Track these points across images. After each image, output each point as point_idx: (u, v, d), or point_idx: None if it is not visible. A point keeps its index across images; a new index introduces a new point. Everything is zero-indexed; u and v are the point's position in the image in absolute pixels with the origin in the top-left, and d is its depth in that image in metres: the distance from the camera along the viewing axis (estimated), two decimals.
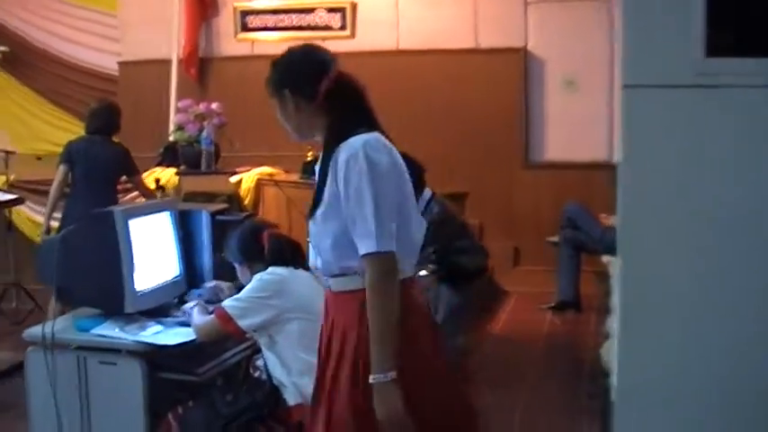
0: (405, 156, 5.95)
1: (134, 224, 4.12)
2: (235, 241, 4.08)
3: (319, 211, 3.00)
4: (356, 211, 2.86)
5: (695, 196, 2.04)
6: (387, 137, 3.14)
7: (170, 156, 7.34)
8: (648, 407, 2.14)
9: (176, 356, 3.89)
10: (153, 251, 4.28)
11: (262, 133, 9.26)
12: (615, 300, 5.98)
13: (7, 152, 8.48)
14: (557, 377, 6.64)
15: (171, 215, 4.46)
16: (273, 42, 9.86)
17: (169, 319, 4.15)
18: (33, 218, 8.57)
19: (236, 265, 4.09)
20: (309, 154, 7.54)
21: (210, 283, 4.40)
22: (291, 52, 3.18)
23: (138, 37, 10.06)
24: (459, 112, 9.19)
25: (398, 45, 9.55)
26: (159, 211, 4.41)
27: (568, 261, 8.14)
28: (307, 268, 3.91)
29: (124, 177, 6.69)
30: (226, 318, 3.74)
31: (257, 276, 3.83)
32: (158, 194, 6.99)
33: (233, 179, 7.83)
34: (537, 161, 9.22)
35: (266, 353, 3.81)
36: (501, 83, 9.14)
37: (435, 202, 5.89)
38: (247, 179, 8.07)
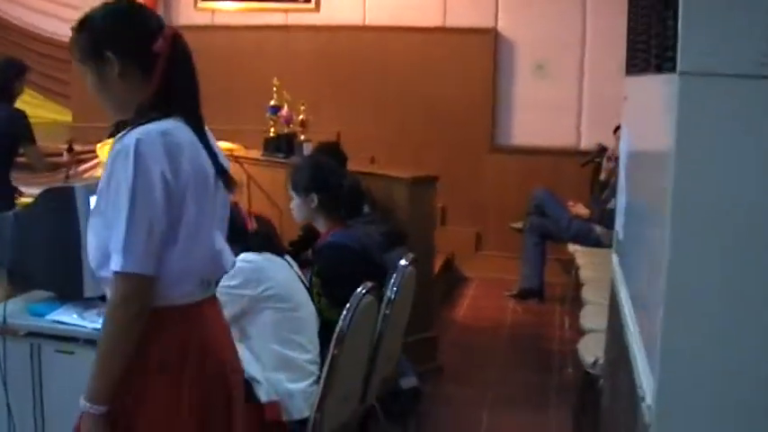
0: (328, 144, 5.68)
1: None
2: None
3: (94, 202, 2.56)
4: (113, 217, 2.42)
5: (753, 190, 1.82)
6: (200, 127, 2.64)
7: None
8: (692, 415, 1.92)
9: None
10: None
11: (221, 106, 8.97)
12: (587, 293, 5.86)
13: None
14: (523, 370, 6.47)
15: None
16: (235, 12, 9.56)
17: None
18: None
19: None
20: (272, 130, 7.25)
21: None
22: (112, 6, 2.63)
23: (94, 3, 9.63)
24: (425, 91, 8.96)
25: (365, 20, 9.27)
26: None
27: (533, 249, 7.96)
28: (282, 254, 3.66)
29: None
30: None
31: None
32: (66, 156, 6.61)
33: None
34: (504, 145, 9.01)
35: (238, 346, 3.54)
36: (470, 64, 8.90)
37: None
38: None
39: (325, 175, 4.35)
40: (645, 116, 2.64)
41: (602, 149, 8.05)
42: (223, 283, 3.37)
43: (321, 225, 4.40)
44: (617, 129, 7.57)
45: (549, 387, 6.08)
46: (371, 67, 9.03)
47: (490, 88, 8.88)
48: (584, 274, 6.58)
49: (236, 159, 7.45)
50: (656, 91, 2.33)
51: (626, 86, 3.49)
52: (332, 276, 4.09)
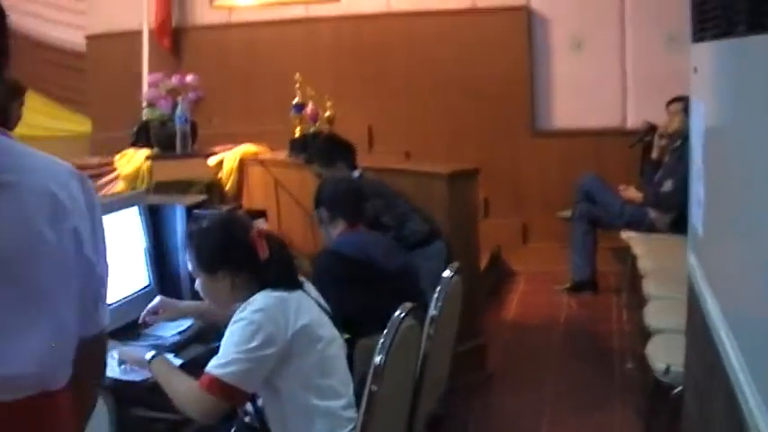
0: (335, 136, 5.23)
1: None
2: (206, 242, 3.11)
3: None
4: None
5: None
6: None
7: (144, 136, 6.57)
8: None
9: (150, 389, 3.15)
10: (115, 257, 3.53)
11: (243, 107, 8.60)
12: (649, 287, 5.34)
13: None
14: (582, 371, 5.96)
15: (138, 211, 3.73)
16: (253, 9, 9.08)
17: (139, 342, 3.43)
18: None
19: (198, 278, 3.13)
20: (297, 129, 6.80)
21: (154, 302, 3.56)
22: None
23: (105, 7, 9.24)
24: (458, 77, 8.45)
25: (389, 7, 8.75)
26: (123, 207, 3.67)
27: (583, 238, 7.44)
28: (298, 284, 3.15)
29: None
30: (225, 389, 2.89)
31: (239, 318, 2.95)
32: None
33: (212, 160, 7.11)
34: (545, 129, 8.47)
35: (266, 403, 3.07)
36: (502, 45, 8.38)
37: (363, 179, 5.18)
38: (229, 159, 7.37)
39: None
40: (734, 87, 2.14)
41: (650, 127, 7.50)
42: (244, 347, 2.88)
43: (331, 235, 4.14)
44: (670, 102, 7.06)
45: (612, 389, 5.58)
46: (400, 56, 8.54)
47: (527, 69, 8.35)
48: (643, 264, 6.05)
49: (262, 163, 7.05)
50: (752, 55, 1.84)
51: (694, 56, 2.99)
52: (323, 286, 3.66)
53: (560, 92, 8.39)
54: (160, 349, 3.25)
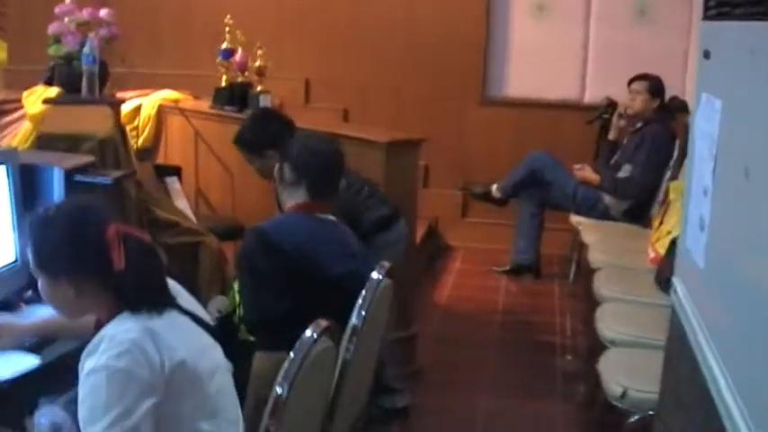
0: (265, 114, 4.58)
1: None
2: (48, 237, 2.34)
3: None
4: None
5: None
6: None
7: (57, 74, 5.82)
8: None
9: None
10: None
11: (174, 47, 7.87)
12: (602, 286, 4.78)
13: None
14: (519, 369, 5.40)
15: (6, 172, 3.04)
16: None
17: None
18: None
19: (39, 279, 2.38)
20: (224, 78, 6.11)
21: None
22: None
23: None
24: (406, 32, 7.76)
25: None
26: None
27: (530, 220, 6.88)
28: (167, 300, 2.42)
29: None
30: None
31: (96, 369, 2.16)
32: None
33: (128, 106, 6.41)
34: (496, 97, 7.79)
35: None
36: (458, 3, 7.68)
37: None
38: (147, 106, 6.68)
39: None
40: None
41: (610, 104, 6.91)
42: (113, 408, 2.13)
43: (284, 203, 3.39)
44: (633, 80, 6.52)
45: (553, 388, 5.05)
46: (345, 7, 7.82)
47: (482, 31, 7.65)
48: (594, 256, 5.50)
49: (182, 112, 6.35)
50: None
51: (706, 37, 2.38)
52: (240, 271, 3.01)
53: (516, 59, 7.71)
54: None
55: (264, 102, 5.83)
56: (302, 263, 3.07)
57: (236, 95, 5.98)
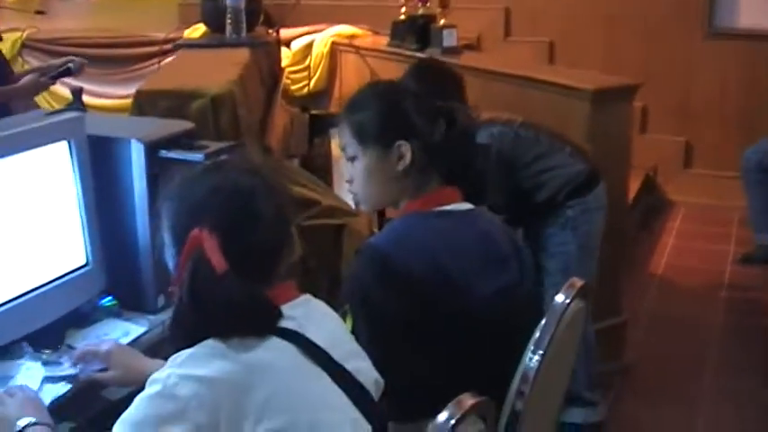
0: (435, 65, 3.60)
1: None
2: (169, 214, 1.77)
3: None
4: None
5: None
6: None
7: None
8: None
9: None
10: (31, 221, 2.22)
11: None
12: None
13: None
14: (755, 369, 4.38)
15: (69, 149, 2.29)
16: None
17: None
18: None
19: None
20: (403, 9, 5.31)
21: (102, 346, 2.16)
22: None
23: None
24: None
25: None
26: (43, 142, 2.23)
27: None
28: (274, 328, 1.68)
29: None
30: None
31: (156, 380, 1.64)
32: None
33: (298, 43, 5.73)
34: (725, 29, 6.63)
35: None
36: None
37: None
38: (319, 43, 5.98)
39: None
40: None
41: None
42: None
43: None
44: None
45: None
46: None
47: None
48: None
49: (357, 50, 5.65)
50: None
51: None
52: (357, 312, 2.11)
53: None
54: None
55: (449, 38, 4.99)
56: (439, 292, 2.12)
57: (415, 30, 5.13)
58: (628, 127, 4.42)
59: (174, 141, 2.42)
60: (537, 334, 2.04)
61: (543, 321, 2.05)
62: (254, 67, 3.88)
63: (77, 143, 2.30)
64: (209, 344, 1.65)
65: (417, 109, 2.25)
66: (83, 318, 2.42)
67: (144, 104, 3.07)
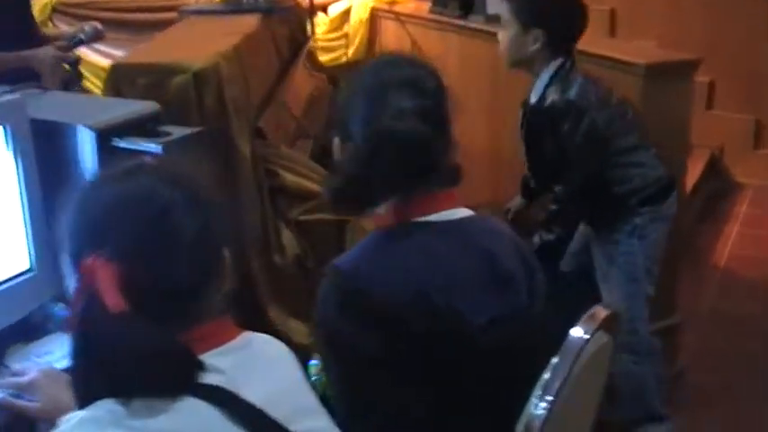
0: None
1: None
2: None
3: None
4: None
5: None
6: None
7: None
8: None
9: None
10: None
11: None
12: None
13: None
14: None
15: (6, 137, 1.94)
16: None
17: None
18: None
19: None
20: None
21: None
22: None
23: None
24: None
25: None
26: None
27: None
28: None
29: None
30: None
31: None
32: None
33: (336, 8, 5.40)
34: None
35: None
36: None
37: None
38: (358, 9, 5.64)
39: None
40: None
41: None
42: None
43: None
44: None
45: None
46: None
47: None
48: None
49: (397, 16, 5.31)
50: None
51: None
52: (322, 348, 1.72)
53: None
54: None
55: (494, 5, 4.56)
56: (423, 323, 1.69)
57: None
58: (687, 105, 4.00)
59: (134, 127, 2.05)
60: (547, 375, 1.65)
61: (555, 360, 1.66)
62: (264, 35, 3.49)
63: (17, 129, 1.94)
64: (106, 406, 1.27)
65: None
66: (33, 330, 2.10)
67: (120, 82, 2.70)
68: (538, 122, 3.09)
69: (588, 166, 3.08)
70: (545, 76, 3.05)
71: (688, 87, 3.99)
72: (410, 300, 1.67)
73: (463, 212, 1.83)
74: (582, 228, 3.33)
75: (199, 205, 1.36)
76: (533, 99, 3.11)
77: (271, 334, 1.51)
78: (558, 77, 3.03)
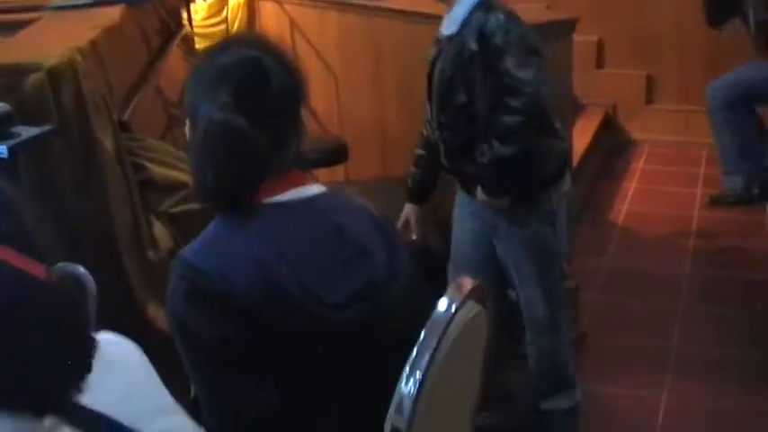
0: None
1: None
2: None
3: None
4: None
5: None
6: None
7: None
8: None
9: None
10: None
11: None
12: None
13: None
14: (728, 331, 3.95)
15: None
16: None
17: None
18: None
19: None
20: None
21: None
22: None
23: None
24: None
25: None
26: None
27: (744, 128, 5.05)
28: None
29: None
30: None
31: None
32: None
33: None
34: None
35: None
36: None
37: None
38: None
39: None
40: None
41: None
42: None
43: None
44: None
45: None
46: None
47: None
48: None
49: None
50: None
51: None
52: (175, 341, 1.67)
53: None
54: None
55: None
56: (273, 309, 1.62)
57: None
58: (569, 64, 3.97)
59: None
60: (414, 353, 1.59)
61: (422, 336, 1.59)
62: (127, 27, 3.36)
63: None
64: None
65: None
66: None
67: None
68: (460, 50, 2.81)
69: (536, 82, 2.73)
70: (466, 2, 2.81)
71: (568, 47, 3.96)
72: (257, 285, 1.59)
73: (315, 189, 1.75)
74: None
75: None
76: (451, 29, 2.84)
77: (150, 333, 1.44)
78: (482, 5, 2.79)
